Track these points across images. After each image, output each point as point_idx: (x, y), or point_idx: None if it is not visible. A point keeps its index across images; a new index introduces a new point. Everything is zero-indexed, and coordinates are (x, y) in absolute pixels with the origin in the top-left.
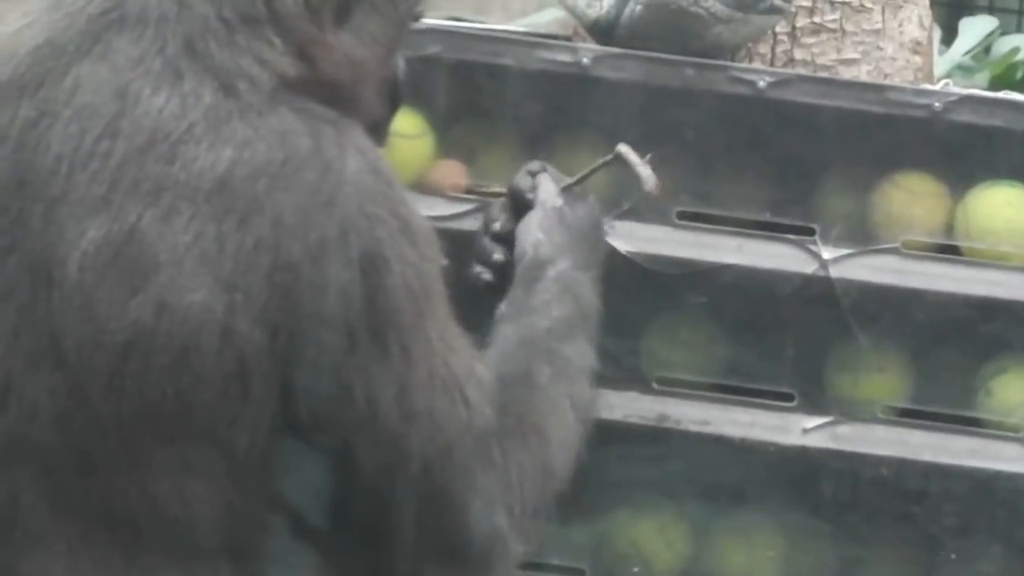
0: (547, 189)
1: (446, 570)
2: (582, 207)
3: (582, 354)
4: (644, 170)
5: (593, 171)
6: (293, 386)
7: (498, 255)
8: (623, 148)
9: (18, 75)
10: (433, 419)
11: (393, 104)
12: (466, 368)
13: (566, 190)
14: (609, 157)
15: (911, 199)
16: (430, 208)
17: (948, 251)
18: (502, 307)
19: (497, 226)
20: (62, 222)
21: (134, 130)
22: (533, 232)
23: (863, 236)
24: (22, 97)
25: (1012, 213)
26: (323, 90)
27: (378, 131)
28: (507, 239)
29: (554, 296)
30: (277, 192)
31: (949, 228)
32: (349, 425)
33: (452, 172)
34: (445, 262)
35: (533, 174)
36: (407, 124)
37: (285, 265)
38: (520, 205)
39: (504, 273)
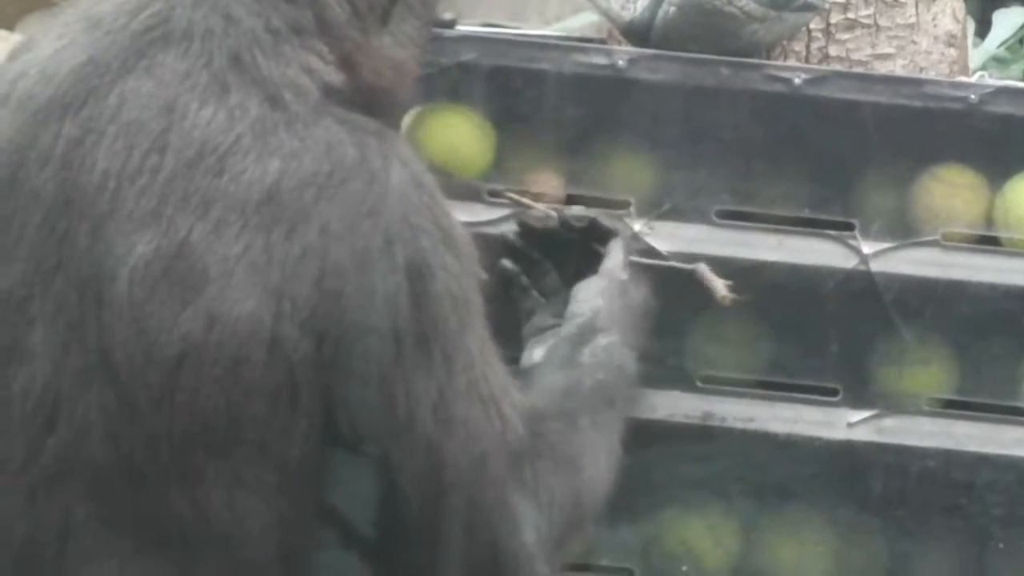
0: (617, 258)
1: None
2: (641, 289)
3: (619, 418)
4: (718, 284)
5: (668, 267)
6: (335, 395)
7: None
8: (702, 268)
9: (60, 94)
10: (469, 429)
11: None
12: (503, 384)
13: (634, 265)
14: (688, 268)
15: (950, 192)
16: (472, 213)
17: (988, 242)
18: (542, 352)
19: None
20: (110, 239)
21: (182, 144)
22: (595, 298)
23: (903, 230)
24: (65, 116)
25: None
26: (364, 96)
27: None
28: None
29: (602, 362)
30: (324, 202)
31: (988, 219)
32: (388, 433)
33: (549, 182)
34: (484, 275)
35: (613, 234)
36: (471, 127)
37: (333, 271)
38: (585, 245)
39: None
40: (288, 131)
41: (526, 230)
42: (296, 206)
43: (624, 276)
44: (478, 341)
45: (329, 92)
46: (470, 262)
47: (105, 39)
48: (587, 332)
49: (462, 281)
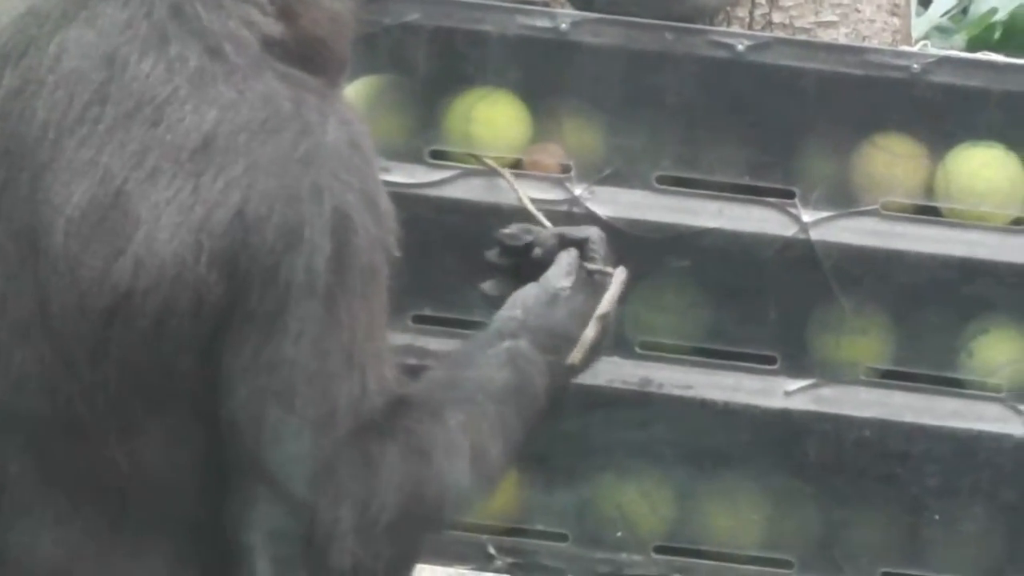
0: (559, 267)
1: (279, 545)
2: (586, 298)
3: (505, 423)
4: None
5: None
6: (233, 318)
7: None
8: (594, 326)
9: (0, 45)
10: (329, 385)
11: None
12: (376, 356)
13: (585, 271)
14: (598, 318)
15: (891, 161)
16: (412, 175)
17: (929, 212)
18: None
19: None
20: (48, 188)
21: (122, 95)
22: (518, 304)
23: (843, 199)
24: (4, 67)
25: (991, 173)
26: (303, 49)
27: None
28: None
29: (500, 363)
30: (255, 144)
31: (929, 190)
32: (265, 363)
33: (552, 153)
34: (398, 254)
35: (573, 242)
36: (508, 107)
37: (258, 199)
38: (546, 252)
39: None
40: (227, 83)
41: (504, 249)
42: (228, 149)
43: (560, 285)
44: (371, 309)
45: (269, 45)
46: (388, 233)
47: None
48: (494, 336)
49: (377, 248)
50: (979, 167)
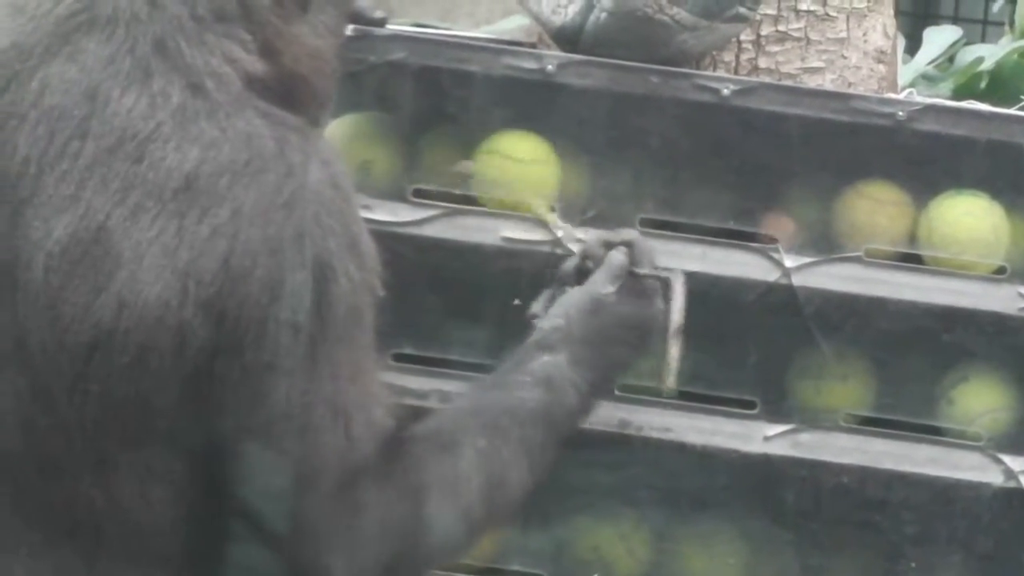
0: (608, 270)
1: None
2: (633, 305)
3: (531, 446)
4: (673, 368)
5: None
6: (226, 377)
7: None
8: (675, 347)
9: None
10: (315, 438)
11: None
12: (362, 401)
13: (633, 276)
14: (675, 331)
15: (874, 208)
16: (395, 213)
17: (912, 260)
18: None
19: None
20: (28, 223)
21: (104, 130)
22: (558, 313)
23: (826, 244)
24: None
25: (974, 222)
26: (285, 86)
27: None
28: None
29: (534, 382)
30: (238, 187)
31: (912, 237)
32: (260, 424)
33: (782, 224)
34: (383, 293)
35: (614, 245)
36: (533, 149)
37: (243, 251)
38: (584, 269)
39: None
40: (209, 120)
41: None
42: (211, 191)
43: (605, 290)
44: (356, 353)
45: (251, 82)
46: (371, 274)
47: (29, 24)
48: (532, 350)
49: (359, 291)
50: (962, 215)
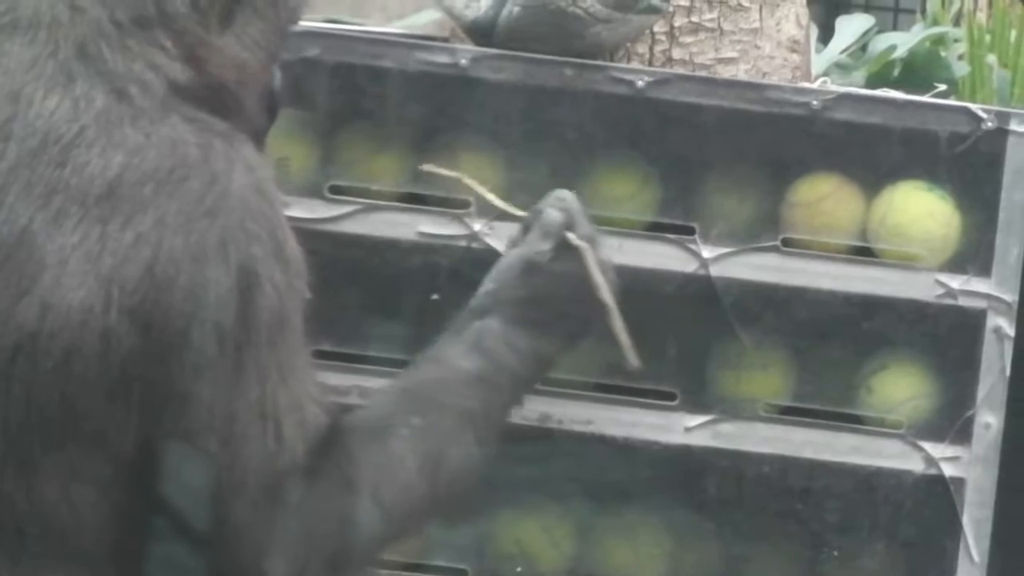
0: (541, 228)
1: None
2: (569, 263)
3: (471, 416)
4: (628, 346)
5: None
6: (154, 383)
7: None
8: (616, 320)
9: None
10: (242, 445)
11: (271, 113)
12: (293, 403)
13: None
14: (608, 307)
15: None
16: (312, 210)
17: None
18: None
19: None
20: None
21: (26, 133)
22: (491, 278)
23: (743, 235)
24: None
25: (887, 210)
26: (210, 95)
27: (259, 139)
28: None
29: (465, 350)
30: (162, 196)
31: (829, 227)
32: (187, 431)
33: None
34: (310, 295)
35: (553, 207)
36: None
37: (167, 259)
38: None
39: None
40: (133, 126)
41: None
42: (135, 199)
43: (536, 250)
44: (282, 358)
45: (175, 89)
46: (298, 279)
47: None
48: (465, 318)
49: (285, 297)
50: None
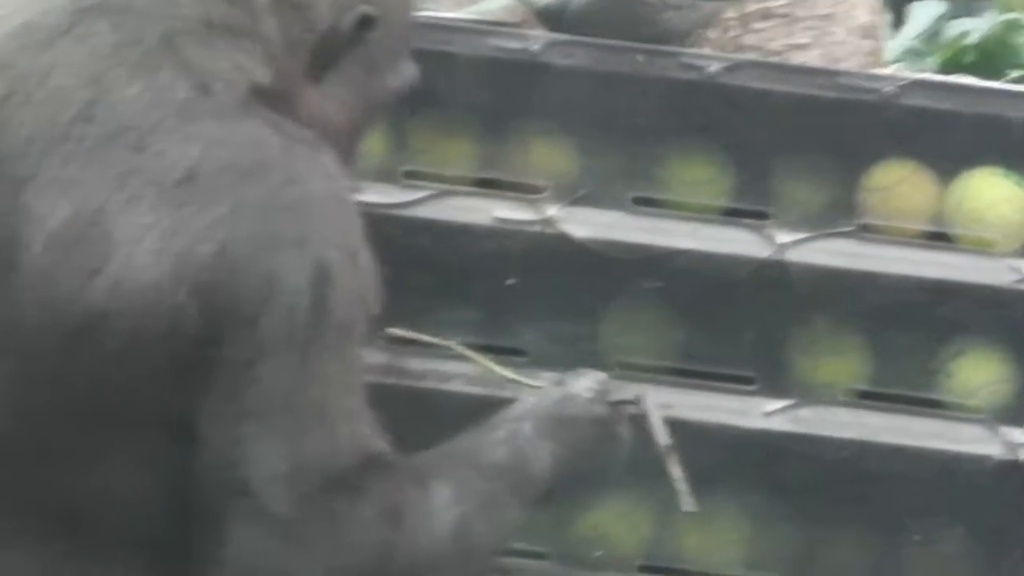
0: (587, 379)
1: None
2: (604, 410)
3: (495, 501)
4: (684, 488)
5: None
6: (213, 363)
7: None
8: (675, 467)
9: None
10: (298, 439)
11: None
12: (349, 414)
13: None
14: (666, 452)
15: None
16: (386, 195)
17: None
18: None
19: None
20: (29, 203)
21: (107, 116)
22: (531, 397)
23: (818, 220)
24: None
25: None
26: (293, 103)
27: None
28: None
29: (497, 442)
30: (241, 185)
31: (904, 212)
32: (240, 412)
33: None
34: (377, 311)
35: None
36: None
37: (242, 243)
38: None
39: None
40: (214, 120)
41: None
42: (212, 187)
43: (582, 386)
44: (345, 366)
45: (260, 92)
46: (368, 290)
47: (44, 5)
48: (498, 420)
49: (355, 306)
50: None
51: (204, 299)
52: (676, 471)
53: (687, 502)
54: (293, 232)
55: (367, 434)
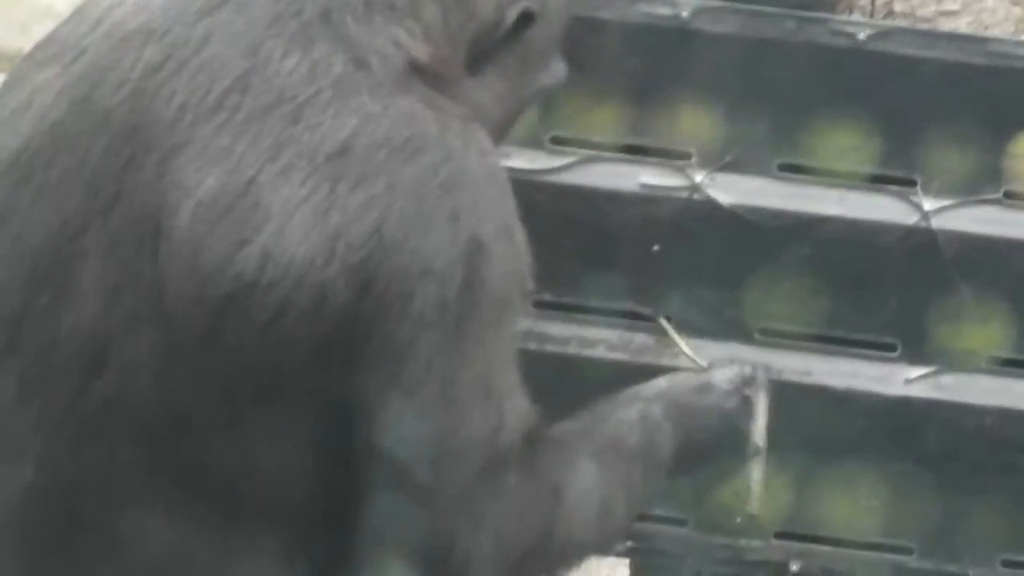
0: (730, 370)
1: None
2: (735, 405)
3: (631, 484)
4: (758, 495)
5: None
6: (367, 341)
7: None
8: (759, 469)
9: (146, 23)
10: (465, 415)
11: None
12: (512, 390)
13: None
14: (754, 452)
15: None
16: (533, 161)
17: None
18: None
19: None
20: (178, 171)
21: (262, 88)
22: (666, 378)
23: (965, 187)
24: (147, 43)
25: None
26: (450, 79)
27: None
28: None
29: (631, 424)
30: (396, 162)
31: None
32: (399, 389)
33: None
34: (532, 286)
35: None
36: None
37: (396, 222)
38: None
39: None
40: (371, 95)
41: None
42: (367, 162)
43: (722, 377)
44: (505, 341)
45: (417, 69)
46: (524, 266)
47: None
48: (629, 397)
49: (511, 280)
50: None
51: (357, 277)
52: (757, 475)
53: (753, 504)
54: (446, 209)
55: (527, 409)
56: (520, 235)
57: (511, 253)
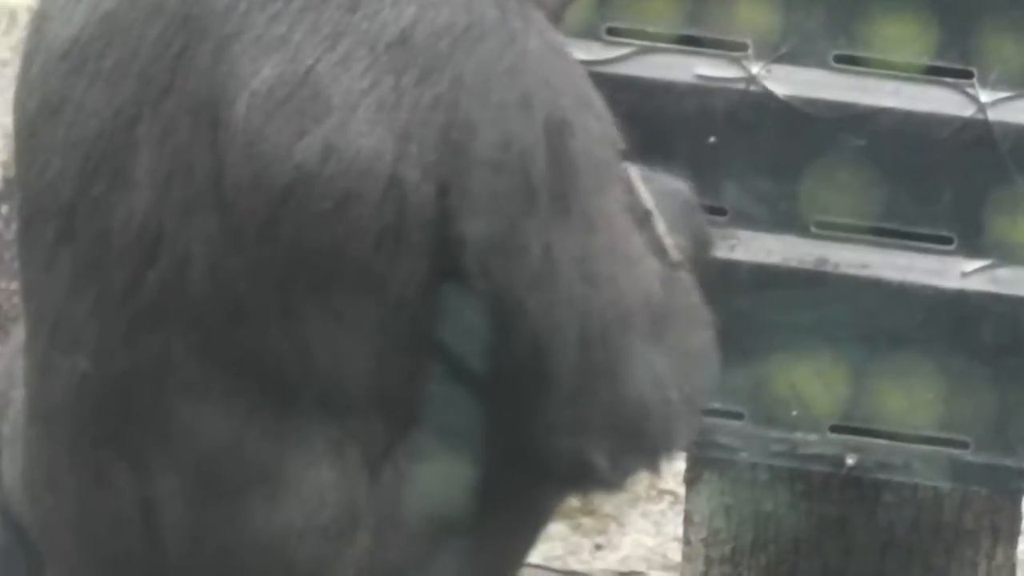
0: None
1: (617, 443)
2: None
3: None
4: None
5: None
6: (463, 241)
7: None
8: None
9: None
10: (615, 286)
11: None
12: (641, 248)
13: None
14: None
15: None
16: (589, 51)
17: None
18: None
19: None
20: (234, 61)
21: None
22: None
23: (1022, 79)
24: None
25: None
26: None
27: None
28: None
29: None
30: (459, 53)
31: None
32: (524, 282)
33: None
34: (623, 146)
35: None
36: None
37: (462, 124)
38: None
39: None
40: None
41: None
42: (429, 53)
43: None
44: (616, 204)
45: None
46: (610, 128)
47: None
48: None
49: (602, 143)
50: None
51: (428, 176)
52: (661, 227)
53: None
54: (516, 95)
55: (652, 275)
56: (598, 100)
57: (594, 119)
